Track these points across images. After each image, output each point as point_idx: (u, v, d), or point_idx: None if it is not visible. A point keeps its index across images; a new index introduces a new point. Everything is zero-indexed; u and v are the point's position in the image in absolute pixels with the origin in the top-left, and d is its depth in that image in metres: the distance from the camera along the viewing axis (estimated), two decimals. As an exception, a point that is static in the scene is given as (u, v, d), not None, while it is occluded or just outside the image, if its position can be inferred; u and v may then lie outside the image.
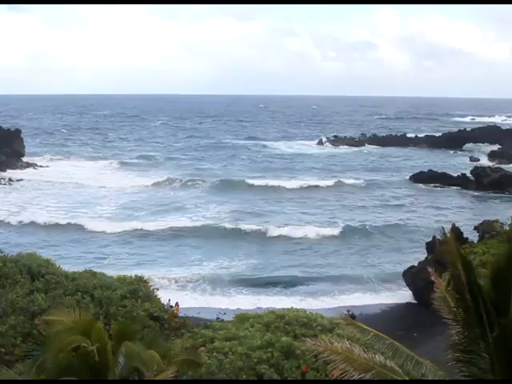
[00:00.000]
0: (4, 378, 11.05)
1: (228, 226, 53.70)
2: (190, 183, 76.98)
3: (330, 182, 77.82)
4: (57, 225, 54.44)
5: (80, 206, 63.37)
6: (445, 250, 10.01)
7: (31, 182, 78.06)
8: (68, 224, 54.61)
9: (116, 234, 51.69)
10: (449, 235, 10.05)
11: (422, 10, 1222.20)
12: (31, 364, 10.94)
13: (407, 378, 10.09)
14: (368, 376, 9.76)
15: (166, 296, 25.81)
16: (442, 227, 10.70)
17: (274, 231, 52.01)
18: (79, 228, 53.31)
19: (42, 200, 66.21)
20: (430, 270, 11.56)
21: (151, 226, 53.75)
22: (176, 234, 52.32)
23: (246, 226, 53.22)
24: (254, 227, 52.93)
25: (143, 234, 51.85)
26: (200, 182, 76.82)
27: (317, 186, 75.45)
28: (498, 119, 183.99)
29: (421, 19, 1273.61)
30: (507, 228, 34.59)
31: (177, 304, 32.24)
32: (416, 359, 10.47)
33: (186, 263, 43.68)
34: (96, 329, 10.85)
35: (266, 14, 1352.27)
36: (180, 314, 25.22)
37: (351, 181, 79.43)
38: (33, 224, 54.79)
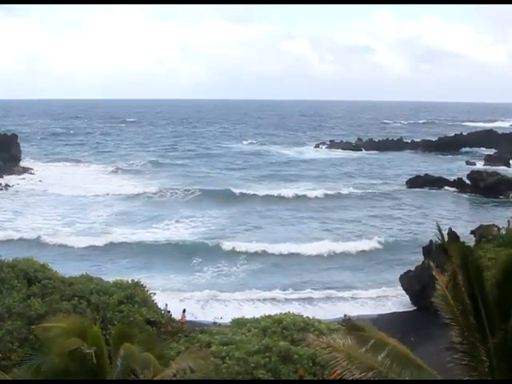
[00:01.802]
0: (1, 382, 11.05)
1: (214, 242, 50.63)
2: (182, 192, 74.43)
3: (326, 191, 75.57)
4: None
5: (68, 215, 61.96)
6: (450, 252, 9.93)
7: (27, 187, 78.11)
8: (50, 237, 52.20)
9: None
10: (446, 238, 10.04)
11: (419, 13, 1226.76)
12: (27, 368, 10.92)
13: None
14: (370, 374, 9.70)
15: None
16: (439, 231, 10.67)
17: (269, 248, 49.48)
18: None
19: (35, 207, 65.36)
20: (432, 265, 11.42)
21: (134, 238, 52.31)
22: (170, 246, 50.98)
23: (236, 244, 50.28)
24: (247, 245, 50.06)
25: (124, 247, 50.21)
26: (192, 191, 74.25)
27: (312, 197, 72.70)
28: (495, 124, 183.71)
29: (418, 22, 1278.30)
30: (504, 232, 34.69)
31: (184, 311, 32.08)
32: (417, 364, 10.40)
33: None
34: (93, 332, 10.85)
35: (263, 17, 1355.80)
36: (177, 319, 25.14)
37: (349, 189, 78.38)
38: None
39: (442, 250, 10.70)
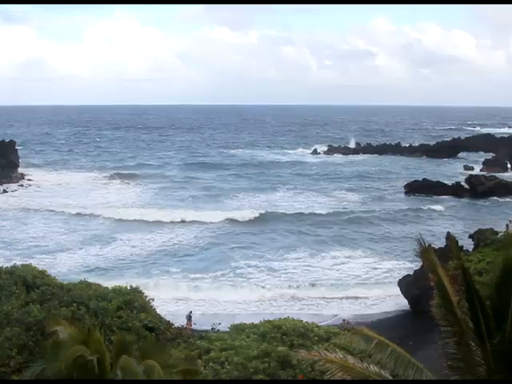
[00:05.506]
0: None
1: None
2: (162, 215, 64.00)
3: (325, 206, 70.34)
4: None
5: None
6: (425, 260, 9.97)
7: (26, 191, 78.46)
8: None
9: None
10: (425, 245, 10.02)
11: (418, 17, 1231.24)
12: (30, 374, 10.89)
13: None
14: None
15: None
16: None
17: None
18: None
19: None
20: (431, 275, 11.46)
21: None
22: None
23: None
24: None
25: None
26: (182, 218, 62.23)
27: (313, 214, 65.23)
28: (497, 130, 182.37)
29: (417, 27, 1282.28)
30: (502, 236, 34.68)
31: (190, 318, 31.80)
32: (417, 366, 10.45)
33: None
34: (95, 339, 10.82)
35: (262, 23, 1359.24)
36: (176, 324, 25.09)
37: (347, 196, 77.56)
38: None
39: (441, 255, 10.74)
